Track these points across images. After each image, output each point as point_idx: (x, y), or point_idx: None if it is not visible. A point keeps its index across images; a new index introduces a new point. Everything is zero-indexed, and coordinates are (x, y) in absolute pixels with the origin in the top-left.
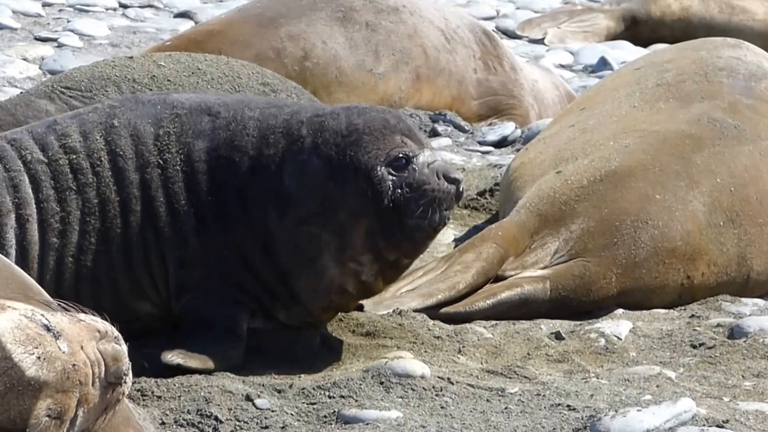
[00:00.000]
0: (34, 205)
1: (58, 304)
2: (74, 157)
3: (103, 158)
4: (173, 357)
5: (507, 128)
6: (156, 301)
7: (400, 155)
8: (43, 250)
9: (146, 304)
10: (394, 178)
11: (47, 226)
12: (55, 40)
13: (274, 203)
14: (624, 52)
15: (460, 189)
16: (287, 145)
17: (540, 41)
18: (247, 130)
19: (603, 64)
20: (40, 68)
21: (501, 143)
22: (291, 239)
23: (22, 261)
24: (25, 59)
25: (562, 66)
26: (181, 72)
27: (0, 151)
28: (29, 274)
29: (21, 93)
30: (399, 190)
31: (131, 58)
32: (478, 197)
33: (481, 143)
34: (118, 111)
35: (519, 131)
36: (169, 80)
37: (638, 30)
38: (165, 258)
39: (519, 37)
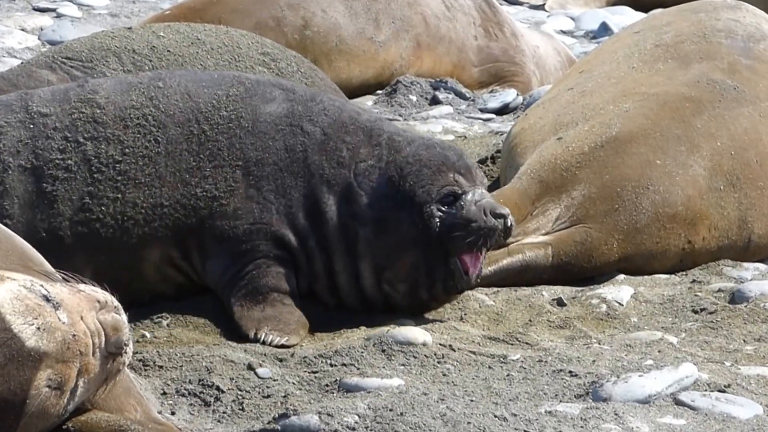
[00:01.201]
0: (27, 155)
1: (58, 275)
2: (98, 111)
3: (135, 114)
4: (271, 337)
5: (508, 95)
6: (172, 253)
7: (449, 192)
8: (33, 196)
9: (156, 253)
10: (442, 214)
11: (40, 173)
12: (53, 10)
13: (337, 187)
14: (625, 18)
15: (508, 224)
16: (366, 143)
17: (541, 7)
18: (326, 110)
19: (604, 29)
20: (38, 39)
21: (502, 110)
22: (342, 224)
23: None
24: (23, 30)
25: (563, 32)
26: (181, 42)
27: (7, 100)
28: (15, 220)
29: (22, 63)
30: (446, 227)
31: (130, 29)
32: (480, 165)
33: (482, 110)
34: (166, 75)
35: (520, 98)
36: (169, 51)
37: None
38: (198, 209)
39: (520, 3)
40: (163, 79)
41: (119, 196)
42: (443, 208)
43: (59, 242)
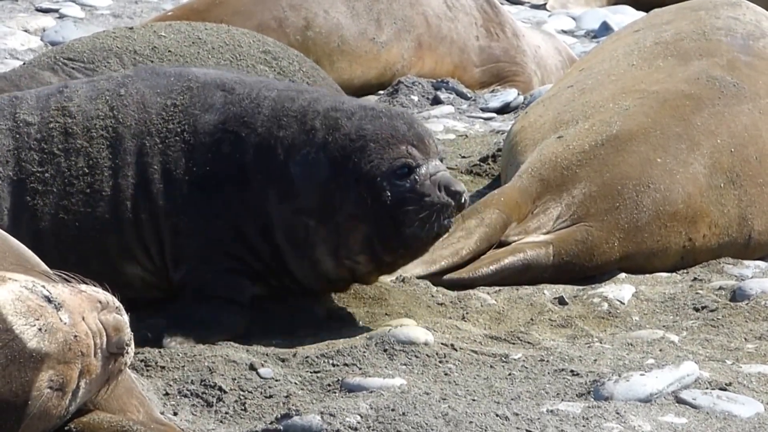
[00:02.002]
0: (12, 165)
1: (59, 276)
2: (69, 120)
3: (99, 124)
4: (172, 342)
5: (509, 95)
6: (147, 266)
7: (403, 166)
8: (18, 209)
9: (136, 267)
10: (395, 188)
11: (23, 186)
12: (56, 11)
13: (276, 186)
14: (626, 17)
15: (462, 201)
16: (298, 133)
17: (542, 7)
18: (260, 108)
19: (605, 29)
20: (41, 39)
21: (503, 109)
22: (288, 225)
23: None
24: (26, 31)
25: (564, 31)
26: (182, 42)
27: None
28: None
29: (24, 64)
30: (398, 201)
31: (131, 29)
32: (481, 163)
33: (483, 110)
34: (129, 81)
35: (521, 97)
36: (170, 51)
37: None
38: (159, 225)
39: (521, 3)
40: (126, 85)
41: (89, 210)
42: (396, 182)
43: (43, 257)
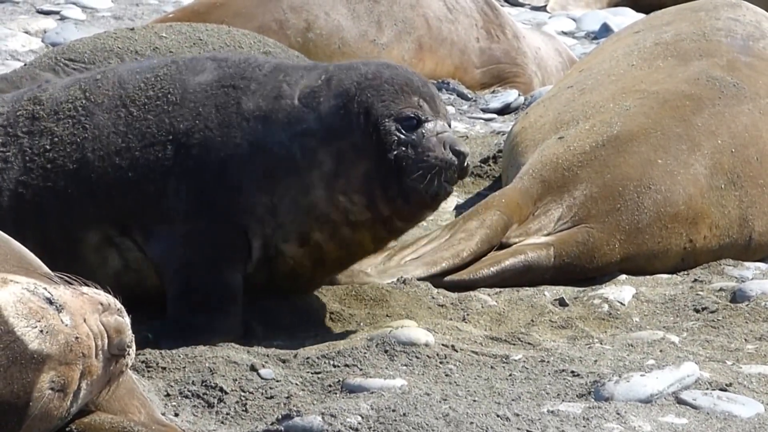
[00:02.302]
0: None
1: (60, 277)
2: (38, 107)
3: (68, 107)
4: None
5: (510, 95)
6: (110, 232)
7: (412, 115)
8: None
9: (94, 234)
10: (401, 135)
11: None
12: (57, 12)
13: (278, 117)
14: (626, 18)
15: (465, 163)
16: (307, 74)
17: (542, 8)
18: (260, 67)
19: (605, 30)
20: (42, 41)
21: (504, 110)
22: (287, 149)
23: None
24: (27, 32)
25: (565, 33)
26: (183, 43)
27: None
28: None
29: (25, 65)
30: (403, 148)
31: (132, 29)
32: (482, 164)
33: (484, 111)
34: (110, 68)
35: (522, 98)
36: (171, 51)
37: None
38: (132, 192)
39: (521, 5)
40: (106, 72)
41: (50, 184)
42: (402, 130)
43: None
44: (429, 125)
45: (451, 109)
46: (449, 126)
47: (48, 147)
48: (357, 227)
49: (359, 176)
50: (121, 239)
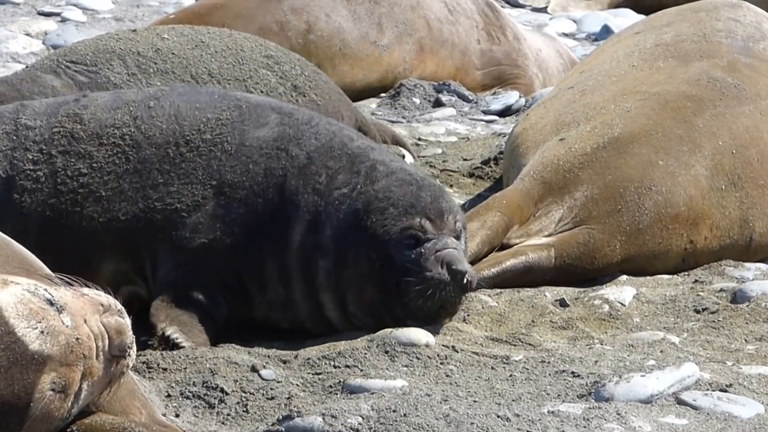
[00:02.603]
0: (6, 164)
1: (61, 278)
2: (78, 126)
3: (113, 132)
4: (174, 333)
5: (511, 97)
6: (125, 266)
7: (411, 236)
8: (8, 205)
9: (110, 265)
10: (400, 256)
11: (14, 184)
12: (58, 14)
13: (307, 215)
14: (627, 20)
15: (464, 282)
16: (347, 168)
17: (543, 10)
18: (318, 134)
19: (606, 31)
20: (43, 43)
21: (505, 112)
22: (305, 257)
23: None
24: (28, 34)
25: (565, 34)
26: (185, 45)
27: (4, 110)
28: None
29: (26, 68)
30: (401, 269)
31: (135, 31)
32: (483, 166)
33: (485, 112)
34: (162, 94)
35: (523, 100)
36: (173, 53)
37: None
38: (166, 222)
39: (522, 6)
40: (159, 98)
41: (78, 209)
42: (402, 250)
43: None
44: (428, 244)
45: (452, 111)
46: (458, 237)
47: (84, 171)
48: (364, 326)
49: (368, 301)
50: (133, 275)
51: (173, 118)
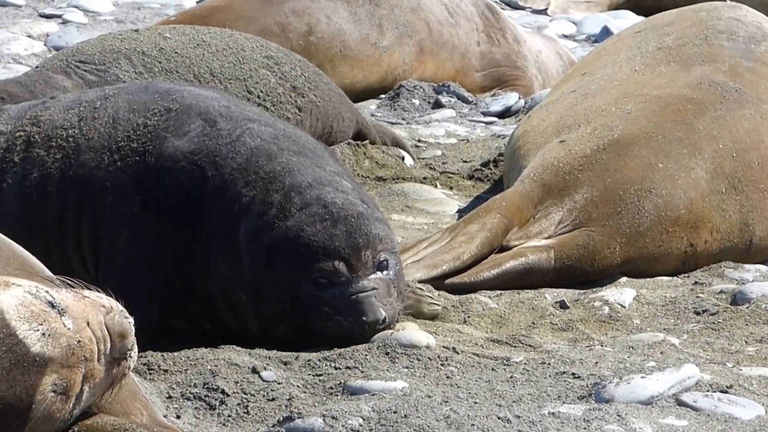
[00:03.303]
0: None
1: (62, 281)
2: (35, 129)
3: (61, 134)
4: None
5: (510, 99)
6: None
7: (323, 278)
8: None
9: (77, 272)
10: (312, 298)
11: None
12: (59, 16)
13: (225, 241)
14: (626, 22)
15: (377, 327)
16: (261, 197)
17: (543, 12)
18: (236, 152)
19: (605, 33)
20: (44, 44)
21: (504, 114)
22: (224, 284)
23: None
24: (29, 36)
25: (565, 36)
26: (187, 44)
27: None
28: None
29: (36, 68)
30: (313, 311)
31: (137, 30)
32: (482, 168)
33: (484, 114)
34: (113, 94)
35: (522, 101)
36: (176, 52)
37: None
38: (99, 237)
39: (522, 8)
40: (108, 97)
41: (40, 218)
42: (314, 294)
43: None
44: (341, 288)
45: (451, 113)
46: (383, 268)
47: (38, 179)
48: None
49: (283, 332)
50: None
51: (111, 122)
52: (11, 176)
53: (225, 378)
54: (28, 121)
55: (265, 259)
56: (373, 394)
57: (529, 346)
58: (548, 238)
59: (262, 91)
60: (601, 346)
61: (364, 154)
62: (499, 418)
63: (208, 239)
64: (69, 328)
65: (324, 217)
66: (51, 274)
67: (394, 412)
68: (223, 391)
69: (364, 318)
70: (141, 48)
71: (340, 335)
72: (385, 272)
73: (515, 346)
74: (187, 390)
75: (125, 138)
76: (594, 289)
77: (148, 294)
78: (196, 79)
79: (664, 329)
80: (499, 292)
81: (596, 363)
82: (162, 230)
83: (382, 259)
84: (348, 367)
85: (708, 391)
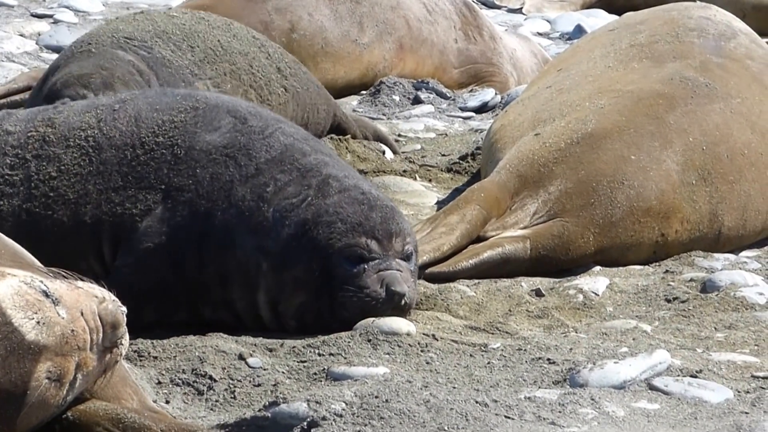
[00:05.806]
0: None
1: (55, 272)
2: (50, 130)
3: (80, 135)
4: None
5: (487, 94)
6: (96, 269)
7: (355, 254)
8: None
9: (82, 265)
10: (341, 269)
11: None
12: (50, 16)
13: (251, 221)
14: (599, 20)
15: (402, 303)
16: (297, 181)
17: (518, 10)
18: (270, 147)
19: (579, 31)
20: (36, 43)
21: (481, 109)
22: (244, 258)
23: None
24: (22, 35)
25: (540, 34)
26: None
27: None
28: None
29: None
30: (340, 282)
31: (142, 12)
32: (460, 161)
33: (462, 109)
34: (130, 97)
35: (498, 97)
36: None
37: None
38: (116, 226)
39: (498, 7)
40: (126, 101)
41: (49, 213)
42: (344, 265)
43: None
44: (372, 263)
45: (430, 108)
46: (408, 259)
47: (54, 175)
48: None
49: (295, 305)
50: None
51: (133, 121)
52: (22, 171)
53: (212, 364)
54: (41, 122)
55: (301, 230)
56: (356, 380)
57: (506, 332)
58: (524, 228)
59: (257, 69)
60: (576, 332)
61: (346, 148)
62: (477, 402)
63: (234, 218)
64: (63, 318)
65: (362, 201)
66: (41, 266)
67: (376, 397)
68: (210, 377)
69: (393, 288)
70: (163, 29)
71: (360, 308)
72: (410, 262)
73: (493, 333)
74: (176, 376)
75: (149, 134)
76: (568, 278)
77: (161, 283)
78: (212, 52)
79: (637, 316)
80: (477, 281)
81: (571, 349)
82: (180, 218)
83: (409, 251)
84: (331, 354)
85: (678, 375)
